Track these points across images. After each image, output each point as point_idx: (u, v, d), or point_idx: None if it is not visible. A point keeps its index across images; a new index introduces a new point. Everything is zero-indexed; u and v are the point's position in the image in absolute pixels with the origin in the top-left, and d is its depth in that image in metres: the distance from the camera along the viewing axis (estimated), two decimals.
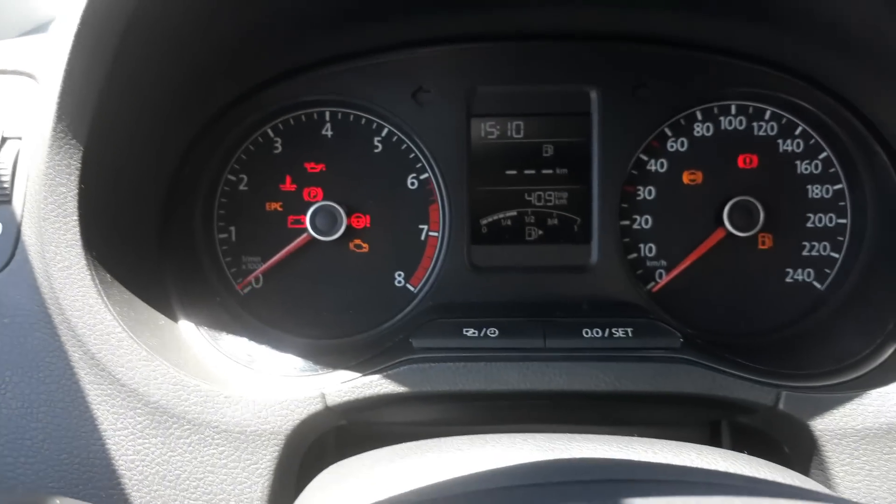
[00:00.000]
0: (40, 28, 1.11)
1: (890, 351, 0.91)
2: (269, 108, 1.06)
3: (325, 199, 1.04)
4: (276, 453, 0.80)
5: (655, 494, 0.39)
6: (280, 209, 1.05)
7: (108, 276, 0.83)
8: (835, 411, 0.80)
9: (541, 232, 1.04)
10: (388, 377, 0.85)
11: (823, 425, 0.80)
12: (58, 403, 0.79)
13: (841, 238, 1.03)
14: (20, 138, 0.85)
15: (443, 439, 0.69)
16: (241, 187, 1.05)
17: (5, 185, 0.83)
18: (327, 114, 1.07)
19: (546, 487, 0.43)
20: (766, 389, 0.83)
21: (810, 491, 0.54)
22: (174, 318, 0.92)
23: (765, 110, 1.04)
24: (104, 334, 0.80)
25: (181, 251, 1.01)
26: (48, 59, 0.81)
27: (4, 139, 0.85)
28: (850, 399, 0.80)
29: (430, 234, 1.05)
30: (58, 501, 0.61)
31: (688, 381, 0.83)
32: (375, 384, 0.84)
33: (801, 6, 0.88)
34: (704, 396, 0.83)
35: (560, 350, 0.88)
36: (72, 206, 0.80)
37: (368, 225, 1.05)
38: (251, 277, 1.05)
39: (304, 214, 1.04)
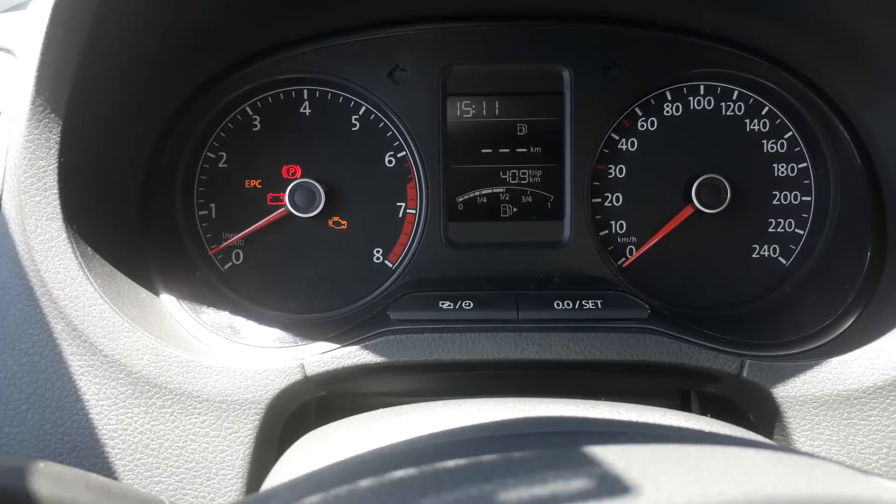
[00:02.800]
0: (20, 6, 1.10)
1: (849, 322, 0.94)
2: (248, 86, 1.07)
3: (303, 176, 1.05)
4: (257, 422, 0.82)
5: (605, 443, 0.42)
6: (259, 186, 1.06)
7: (89, 248, 0.84)
8: (796, 379, 0.83)
9: (515, 209, 1.06)
10: (366, 348, 0.87)
11: (785, 392, 0.83)
12: (41, 374, 0.81)
13: (805, 215, 1.06)
14: (0, 113, 0.86)
15: (418, 403, 0.72)
16: (221, 164, 1.06)
17: None
18: (305, 92, 1.07)
19: (504, 439, 0.45)
20: (731, 358, 0.86)
21: (745, 439, 0.57)
22: (155, 292, 0.93)
23: (732, 91, 1.06)
24: (86, 306, 0.81)
25: (161, 226, 1.02)
26: (26, 34, 0.82)
27: None
28: (810, 367, 0.84)
29: (408, 211, 1.07)
30: (41, 465, 0.62)
31: (655, 351, 0.86)
32: (354, 354, 0.87)
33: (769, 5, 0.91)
34: (671, 365, 0.86)
35: (532, 321, 0.91)
36: (52, 179, 0.81)
37: (347, 202, 1.06)
38: (223, 246, 1.05)
39: (284, 192, 1.04)
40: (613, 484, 0.37)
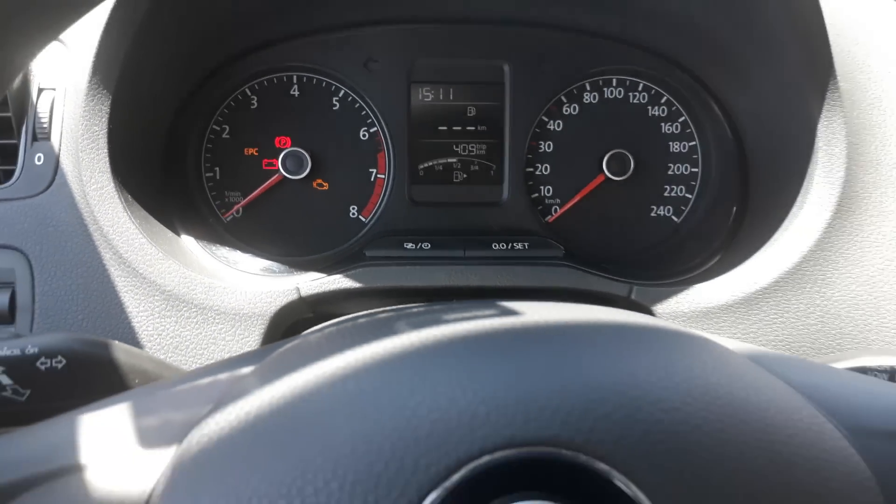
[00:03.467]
0: None
1: (714, 260, 1.18)
2: (248, 72, 1.22)
3: (293, 145, 1.21)
4: (262, 330, 1.00)
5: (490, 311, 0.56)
6: (256, 154, 1.23)
7: (129, 196, 1.03)
8: (671, 300, 1.04)
9: (465, 175, 1.25)
10: (347, 276, 1.07)
11: (662, 310, 1.03)
12: (93, 292, 0.99)
13: (693, 183, 1.26)
14: (54, 89, 1.04)
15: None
16: (224, 136, 1.23)
17: (45, 125, 1.02)
18: (294, 77, 1.22)
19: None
20: (623, 285, 1.07)
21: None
22: (177, 234, 1.13)
23: (638, 83, 1.25)
24: (129, 240, 1.00)
25: (178, 185, 1.20)
26: (79, 29, 1.02)
27: (41, 90, 1.04)
28: (682, 291, 1.04)
29: (378, 176, 1.24)
30: (116, 342, 0.76)
31: (563, 279, 1.07)
32: (338, 281, 1.07)
33: (646, 8, 1.15)
34: (575, 290, 1.07)
35: (475, 258, 1.13)
36: (103, 142, 1.00)
37: (328, 167, 1.24)
38: (234, 209, 1.23)
39: (276, 158, 1.21)
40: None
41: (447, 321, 0.54)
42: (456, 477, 0.40)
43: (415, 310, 0.64)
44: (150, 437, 0.48)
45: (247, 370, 0.55)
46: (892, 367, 0.79)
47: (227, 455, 0.44)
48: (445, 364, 0.48)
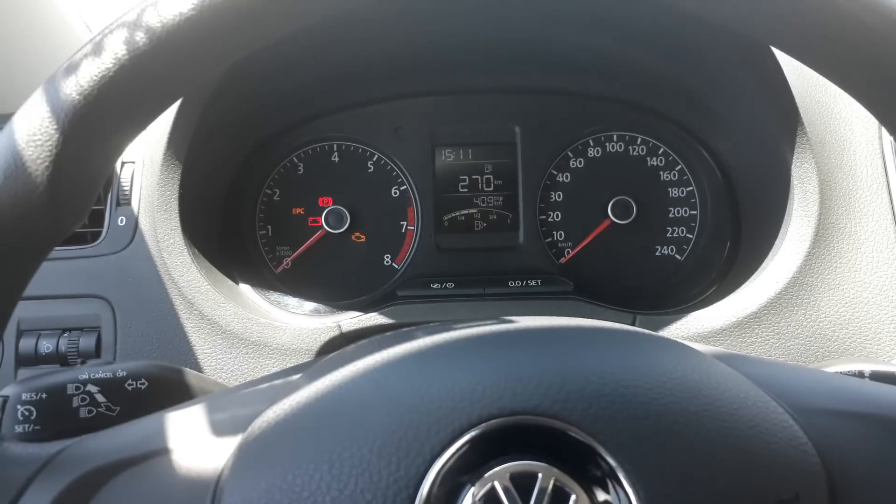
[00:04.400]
0: None
1: (711, 290, 1.29)
2: (295, 143, 1.35)
3: (334, 204, 1.34)
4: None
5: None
6: (302, 212, 1.35)
7: (196, 250, 1.17)
8: (671, 326, 1.13)
9: (484, 224, 1.35)
10: (382, 313, 1.20)
11: (664, 335, 1.17)
12: (165, 332, 1.12)
13: (693, 224, 1.35)
14: (134, 162, 1.20)
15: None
16: (275, 198, 1.36)
17: (126, 192, 1.18)
18: (335, 146, 1.36)
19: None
20: (627, 315, 1.18)
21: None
22: (236, 282, 1.28)
23: (636, 137, 1.36)
24: (196, 287, 1.13)
25: (236, 241, 1.35)
26: None
27: (124, 163, 1.21)
28: (680, 318, 1.13)
29: (409, 227, 1.35)
30: (188, 369, 0.85)
31: (572, 311, 1.17)
32: (373, 318, 1.19)
33: (636, 71, 1.30)
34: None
35: (494, 294, 1.25)
36: (174, 205, 1.16)
37: (365, 222, 1.36)
38: (285, 263, 1.36)
39: (320, 216, 1.33)
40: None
41: (452, 329, 0.67)
42: (460, 440, 0.51)
43: (426, 325, 0.78)
44: (221, 428, 0.59)
45: (296, 376, 0.67)
46: (860, 371, 0.90)
47: (282, 437, 0.56)
48: (451, 357, 0.61)
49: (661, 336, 0.64)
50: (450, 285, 1.27)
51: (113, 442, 0.59)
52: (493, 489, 0.49)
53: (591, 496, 0.51)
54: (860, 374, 0.90)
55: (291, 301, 1.35)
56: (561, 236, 1.38)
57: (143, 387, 0.82)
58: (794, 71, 1.15)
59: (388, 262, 1.37)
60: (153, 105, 0.57)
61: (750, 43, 1.13)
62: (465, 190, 1.37)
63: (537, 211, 1.36)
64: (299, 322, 1.21)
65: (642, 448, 0.50)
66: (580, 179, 1.37)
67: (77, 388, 0.78)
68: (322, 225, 1.35)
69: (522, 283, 1.28)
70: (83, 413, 0.78)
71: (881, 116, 0.59)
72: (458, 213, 1.37)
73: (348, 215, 1.34)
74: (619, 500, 0.49)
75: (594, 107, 1.36)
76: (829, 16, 0.53)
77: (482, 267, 1.33)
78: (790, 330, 1.12)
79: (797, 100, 1.14)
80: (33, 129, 0.52)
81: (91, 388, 0.77)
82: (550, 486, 0.50)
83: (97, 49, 0.53)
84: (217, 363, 1.13)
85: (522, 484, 0.49)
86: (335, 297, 1.34)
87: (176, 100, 0.58)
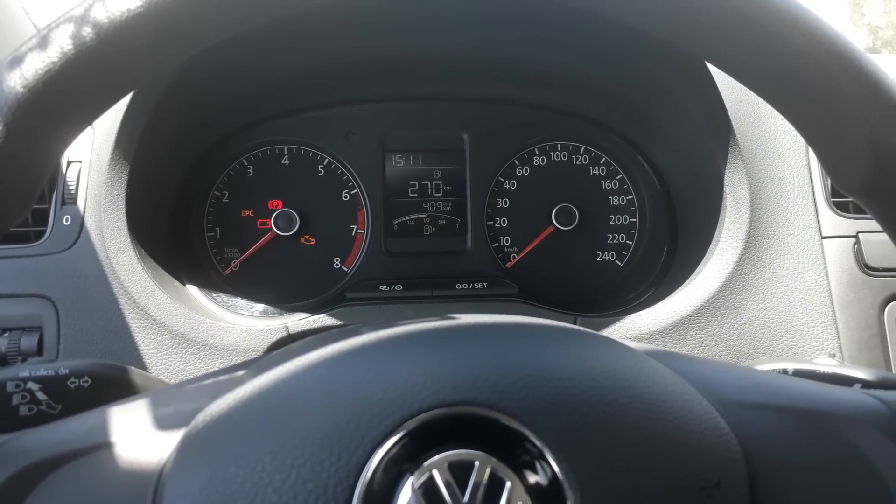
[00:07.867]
0: None
1: (648, 294, 1.35)
2: (245, 146, 1.35)
3: (284, 207, 1.35)
4: None
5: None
6: (251, 215, 1.36)
7: (143, 250, 1.17)
8: (610, 328, 1.17)
9: (433, 228, 1.38)
10: (330, 314, 1.21)
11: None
12: (110, 332, 1.11)
13: (633, 231, 1.39)
14: (80, 161, 1.20)
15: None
16: (224, 200, 1.36)
17: (72, 191, 1.17)
18: (285, 149, 1.36)
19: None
20: (568, 316, 1.22)
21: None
22: (183, 283, 1.27)
23: (580, 147, 1.40)
24: (142, 287, 1.13)
25: (184, 242, 1.35)
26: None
27: (70, 162, 1.20)
28: (618, 320, 1.17)
29: (359, 231, 1.36)
30: (133, 368, 0.82)
31: (515, 313, 1.18)
32: (321, 319, 1.21)
33: (579, 83, 1.35)
34: None
35: (441, 297, 1.28)
36: (121, 204, 1.15)
37: (315, 225, 1.37)
38: (233, 265, 1.36)
39: (269, 218, 1.33)
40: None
41: (394, 325, 0.69)
42: (401, 431, 0.53)
43: (370, 322, 0.79)
44: (164, 422, 0.60)
45: (240, 372, 0.68)
46: (784, 369, 0.96)
47: (225, 430, 0.56)
48: (393, 351, 0.63)
49: (596, 333, 0.66)
50: (398, 288, 1.30)
51: (52, 437, 0.60)
52: (431, 477, 0.50)
53: (524, 481, 0.54)
54: (784, 372, 0.95)
55: (240, 303, 1.35)
56: (507, 241, 1.41)
57: (86, 385, 0.81)
58: (727, 85, 1.22)
59: (337, 265, 1.39)
60: (99, 100, 0.57)
61: (686, 57, 1.19)
62: (415, 195, 1.40)
63: (485, 216, 1.39)
64: (247, 323, 1.22)
65: (573, 436, 0.52)
66: (526, 186, 1.41)
67: (17, 386, 0.78)
68: (271, 227, 1.35)
69: (469, 286, 1.32)
70: (23, 411, 0.77)
71: (802, 129, 0.64)
72: (407, 218, 1.40)
73: (298, 218, 1.35)
74: (550, 483, 0.52)
75: (540, 116, 1.39)
76: (745, 27, 0.58)
77: (430, 270, 1.36)
78: (721, 331, 1.18)
79: (730, 113, 1.20)
80: None
81: (32, 385, 0.76)
82: (487, 474, 0.52)
83: (43, 42, 0.53)
84: (163, 363, 1.13)
85: (461, 472, 0.50)
86: (284, 299, 1.34)
87: (123, 95, 0.59)
